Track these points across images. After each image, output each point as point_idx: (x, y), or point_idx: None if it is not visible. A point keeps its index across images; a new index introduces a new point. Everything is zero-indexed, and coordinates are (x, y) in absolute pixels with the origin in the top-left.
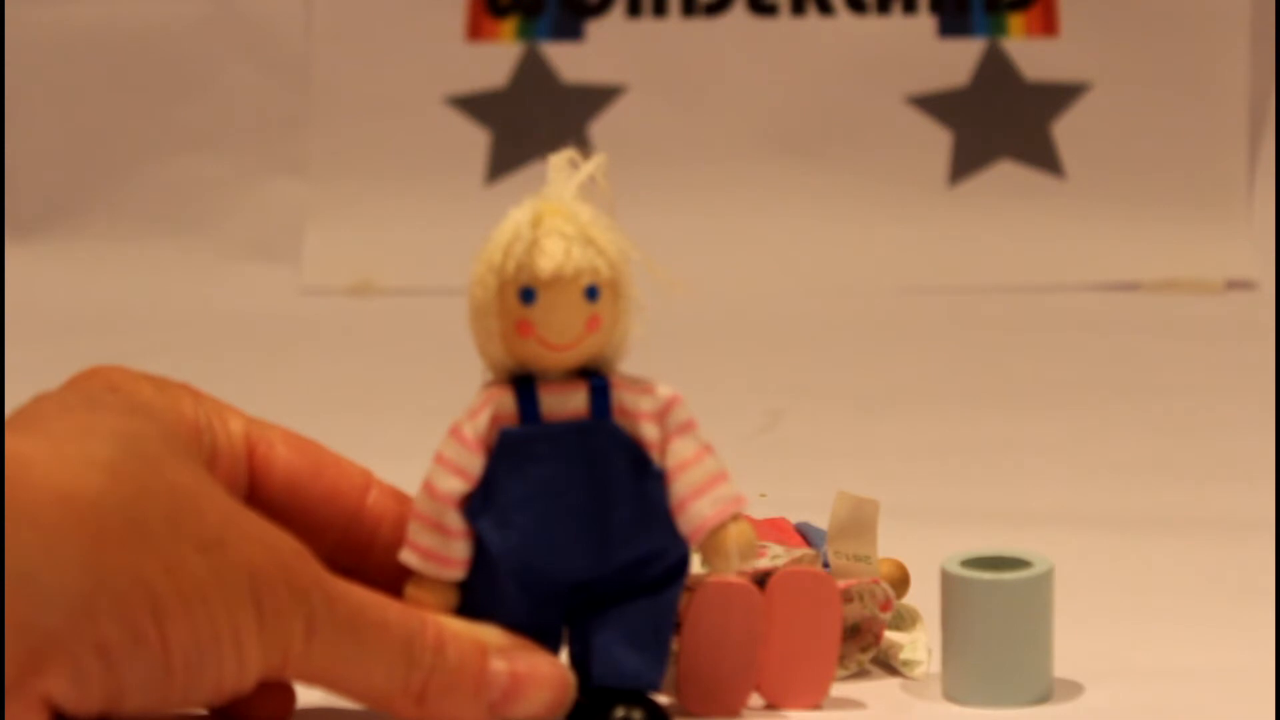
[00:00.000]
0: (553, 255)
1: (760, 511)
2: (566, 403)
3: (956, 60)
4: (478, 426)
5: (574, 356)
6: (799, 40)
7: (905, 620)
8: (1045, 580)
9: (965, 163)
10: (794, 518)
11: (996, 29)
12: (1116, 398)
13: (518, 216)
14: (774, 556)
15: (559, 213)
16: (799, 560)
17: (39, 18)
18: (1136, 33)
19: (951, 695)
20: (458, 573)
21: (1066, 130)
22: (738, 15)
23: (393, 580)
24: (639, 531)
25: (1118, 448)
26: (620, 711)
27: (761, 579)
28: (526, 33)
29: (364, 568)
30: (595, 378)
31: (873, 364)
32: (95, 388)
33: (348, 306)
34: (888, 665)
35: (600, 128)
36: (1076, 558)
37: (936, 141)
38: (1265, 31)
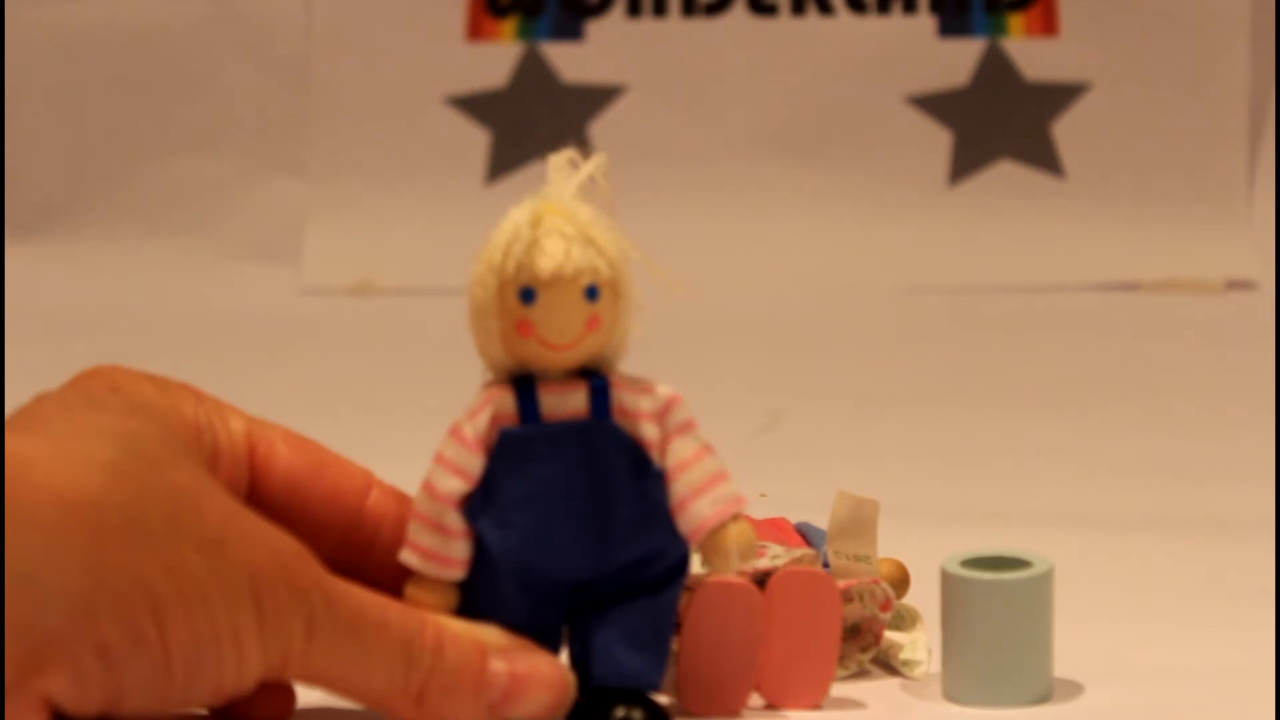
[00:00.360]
0: (553, 255)
1: (760, 511)
2: (566, 403)
3: (956, 60)
4: (478, 426)
5: (574, 356)
6: (799, 40)
7: (905, 620)
8: (1045, 580)
9: (965, 163)
10: (794, 518)
11: (996, 29)
12: (1116, 398)
13: (517, 216)
14: (774, 556)
15: (559, 213)
16: (799, 560)
17: (39, 18)
18: (1136, 33)
19: (951, 695)
20: (458, 573)
21: (1066, 130)
22: (738, 15)
23: (393, 580)
24: (639, 531)
25: (1118, 448)
26: (620, 711)
27: (761, 579)
28: (526, 33)
29: (364, 568)
30: (595, 378)
31: (873, 364)
32: (96, 388)
33: (348, 306)
34: (888, 665)
35: (600, 128)
36: (1076, 558)
37: (936, 141)
38: (1265, 31)
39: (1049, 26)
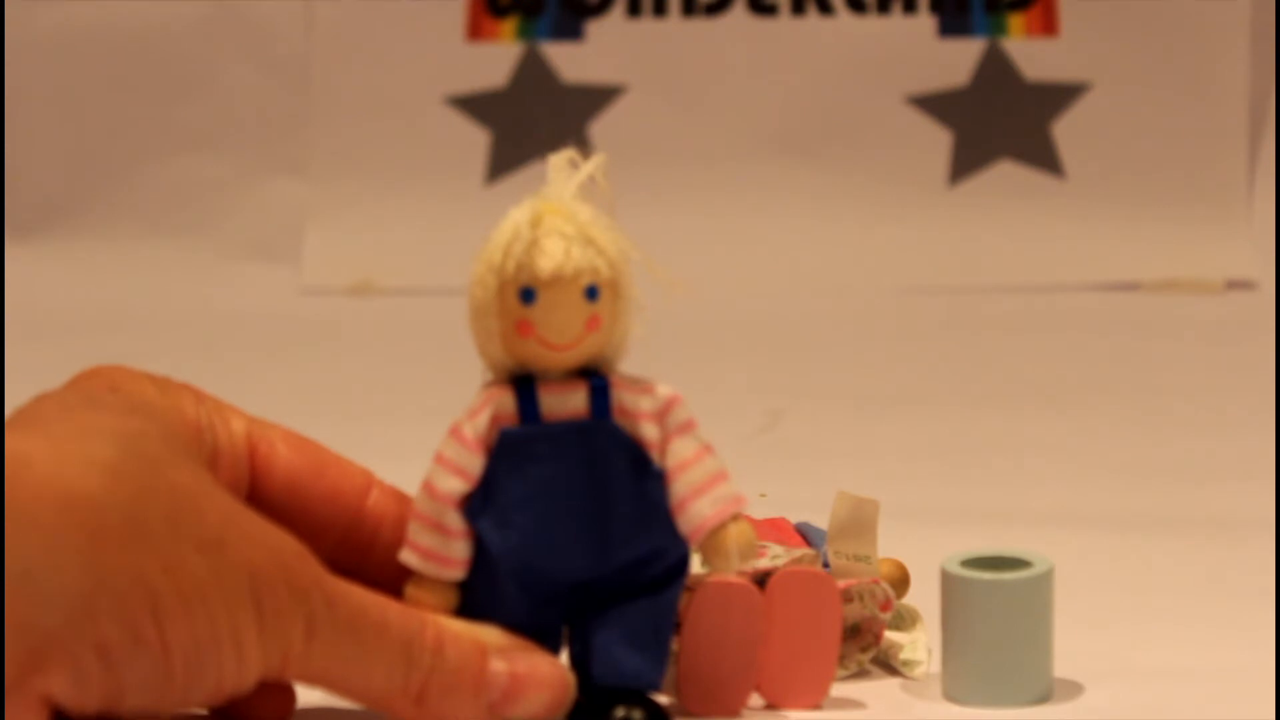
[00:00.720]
0: (552, 255)
1: (760, 511)
2: (566, 403)
3: (956, 60)
4: (478, 426)
5: (574, 356)
6: (799, 40)
7: (905, 620)
8: (1045, 580)
9: (965, 163)
10: (794, 518)
11: (996, 29)
12: (1116, 398)
13: (517, 216)
14: (774, 556)
15: (559, 213)
16: (799, 560)
17: (39, 18)
18: (1136, 33)
19: (951, 695)
20: (458, 573)
21: (1066, 130)
22: (738, 15)
23: (393, 580)
24: (639, 531)
25: (1118, 448)
26: (620, 711)
27: (761, 579)
28: (526, 33)
29: (364, 568)
30: (595, 378)
31: (873, 364)
32: (96, 388)
33: (348, 306)
34: (888, 665)
35: (600, 128)
36: (1076, 558)
37: (936, 141)
38: (1265, 31)
39: (1049, 26)
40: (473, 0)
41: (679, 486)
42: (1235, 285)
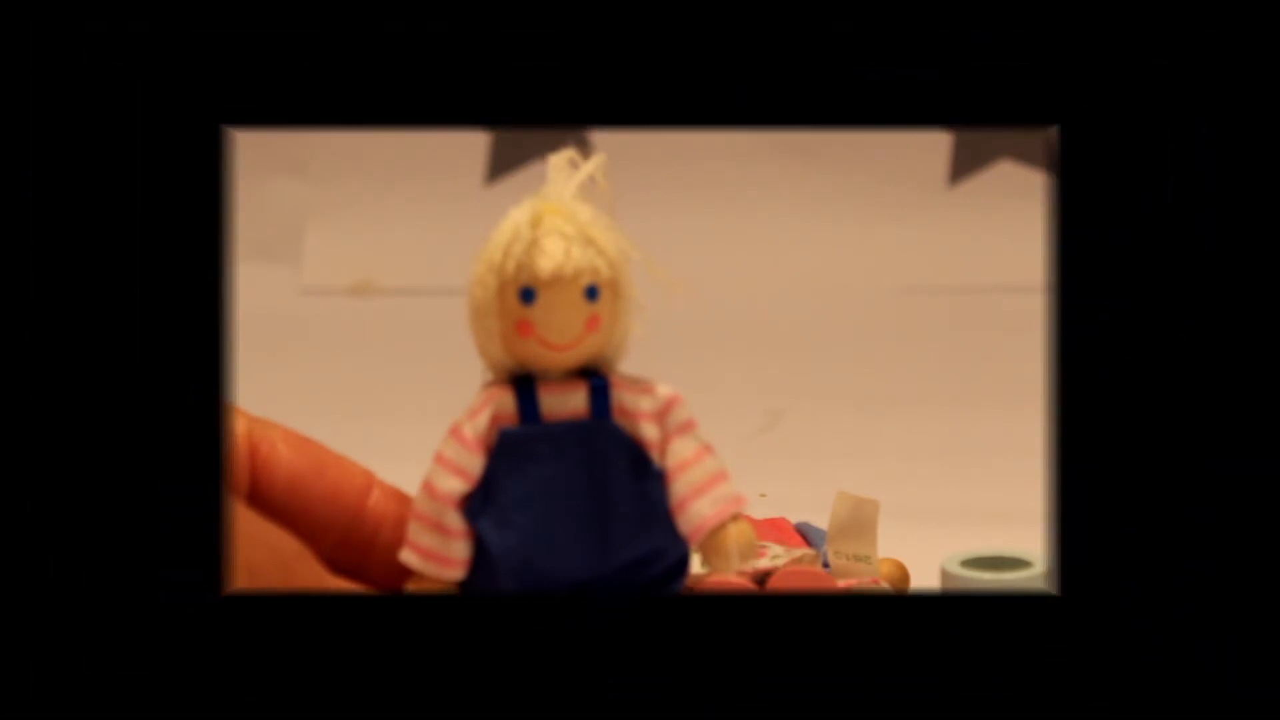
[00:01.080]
0: (552, 255)
1: (760, 511)
2: (566, 403)
3: None
4: (478, 426)
5: (574, 356)
6: None
7: None
8: (1045, 580)
9: (965, 163)
10: (794, 518)
11: None
12: None
13: (517, 216)
14: (774, 556)
15: (559, 213)
16: (799, 560)
17: None
18: None
19: None
20: (458, 573)
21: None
22: None
23: (393, 580)
24: (639, 531)
25: None
26: None
27: (761, 579)
28: None
29: (364, 568)
30: (595, 378)
31: (873, 364)
32: None
33: (348, 306)
34: None
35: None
36: None
37: (936, 141)
38: None
39: None
40: None
41: (679, 486)
42: None
